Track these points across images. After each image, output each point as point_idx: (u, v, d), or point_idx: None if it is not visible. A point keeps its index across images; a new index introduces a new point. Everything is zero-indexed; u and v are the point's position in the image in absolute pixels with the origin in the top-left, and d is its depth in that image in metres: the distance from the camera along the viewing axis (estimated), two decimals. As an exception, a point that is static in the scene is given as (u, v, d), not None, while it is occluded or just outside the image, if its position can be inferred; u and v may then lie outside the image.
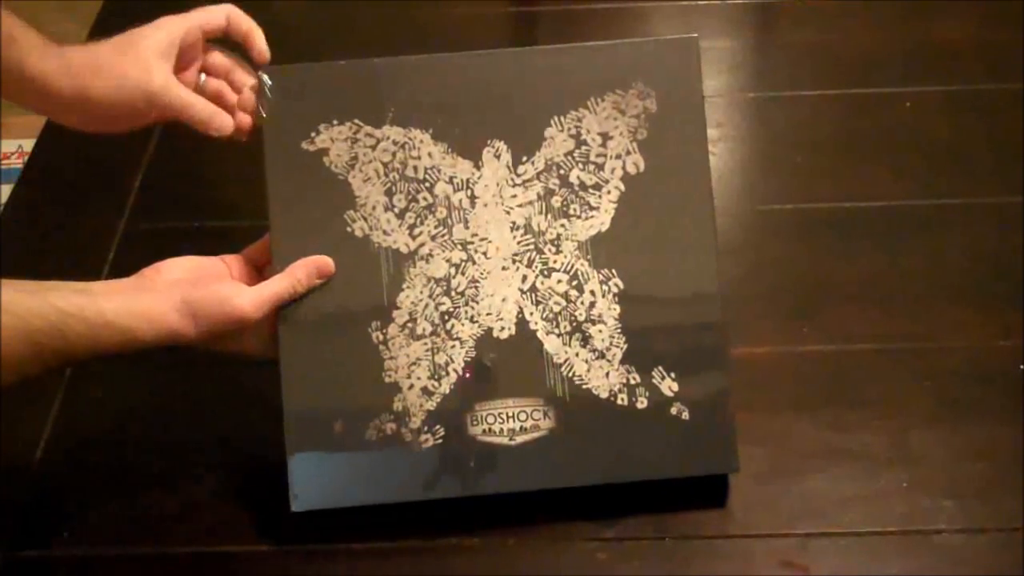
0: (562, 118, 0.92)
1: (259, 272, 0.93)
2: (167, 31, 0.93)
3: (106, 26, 1.36)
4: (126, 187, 1.21)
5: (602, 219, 0.92)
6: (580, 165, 0.92)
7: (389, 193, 0.92)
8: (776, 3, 1.45)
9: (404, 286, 0.91)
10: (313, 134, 0.92)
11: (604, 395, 0.91)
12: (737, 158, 1.26)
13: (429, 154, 0.92)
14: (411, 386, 0.90)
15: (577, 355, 0.91)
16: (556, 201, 0.92)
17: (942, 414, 0.97)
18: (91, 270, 1.11)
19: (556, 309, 0.91)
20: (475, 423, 0.90)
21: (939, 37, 1.36)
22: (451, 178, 0.92)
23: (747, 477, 0.93)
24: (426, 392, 0.90)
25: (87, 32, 1.38)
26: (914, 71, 1.32)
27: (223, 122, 0.94)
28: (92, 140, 1.28)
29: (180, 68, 0.95)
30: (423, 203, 0.92)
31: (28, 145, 1.47)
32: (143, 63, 0.91)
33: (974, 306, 1.06)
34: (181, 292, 0.86)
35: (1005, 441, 0.95)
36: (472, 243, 0.92)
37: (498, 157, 0.92)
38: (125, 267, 1.10)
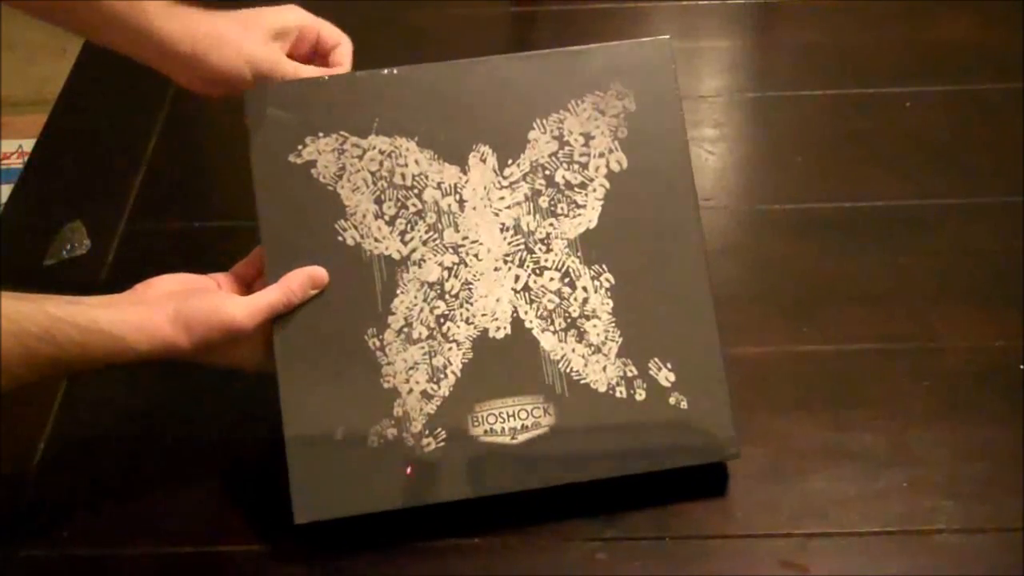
0: (544, 120, 0.94)
1: (248, 288, 0.93)
2: (289, 20, 0.99)
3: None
4: (126, 187, 1.21)
5: (590, 216, 0.93)
6: (565, 165, 0.94)
7: (378, 201, 0.93)
8: (776, 3, 1.45)
9: (398, 292, 0.91)
10: (300, 147, 0.93)
11: (602, 389, 0.91)
12: (737, 158, 1.26)
13: (416, 161, 0.93)
14: (410, 390, 0.90)
15: (573, 351, 0.91)
16: (543, 201, 0.93)
17: (942, 414, 0.97)
18: (91, 270, 1.11)
19: (550, 307, 0.92)
20: (476, 424, 0.90)
21: (939, 37, 1.36)
22: (439, 183, 0.93)
23: (747, 477, 0.93)
24: (426, 396, 0.90)
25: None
26: (914, 71, 1.32)
27: None
28: (92, 140, 1.28)
29: (292, 50, 1.00)
30: (412, 209, 0.93)
31: (28, 145, 1.48)
32: (260, 45, 0.96)
33: (974, 306, 1.06)
34: (174, 303, 0.86)
35: (1005, 441, 0.95)
36: (463, 246, 0.92)
37: (484, 161, 0.93)
38: (125, 267, 1.11)
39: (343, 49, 1.01)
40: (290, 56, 0.99)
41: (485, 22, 1.44)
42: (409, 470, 0.89)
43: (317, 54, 1.01)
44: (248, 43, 0.96)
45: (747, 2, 1.45)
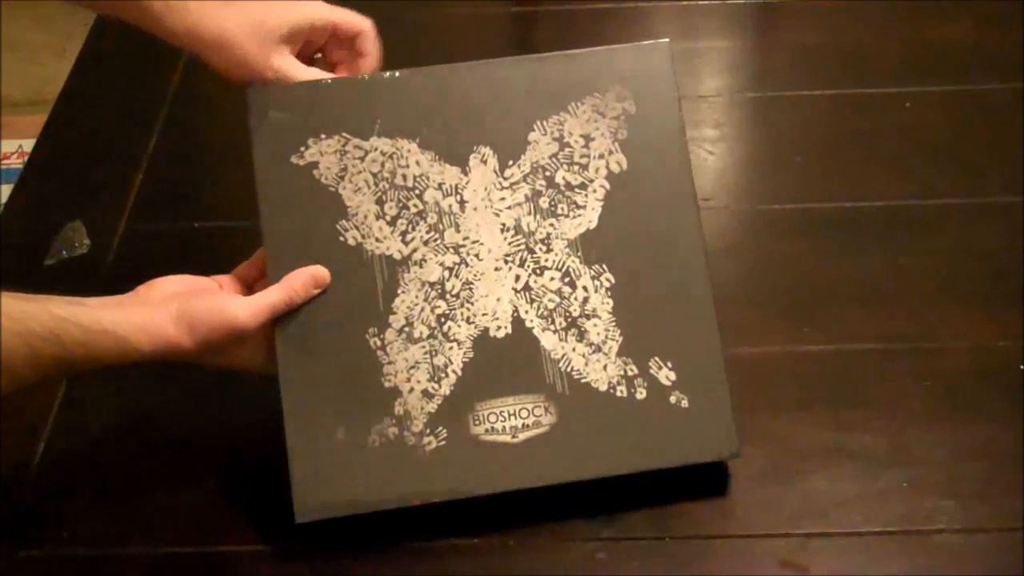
0: (545, 122, 0.95)
1: (250, 290, 0.94)
2: (301, 19, 0.97)
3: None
4: (126, 187, 1.21)
5: (590, 217, 0.94)
6: (565, 166, 0.94)
7: (380, 202, 0.93)
8: (776, 3, 1.45)
9: (399, 291, 0.92)
10: (302, 148, 0.93)
11: (603, 388, 0.91)
12: (737, 158, 1.26)
13: (417, 162, 0.94)
14: (411, 389, 0.90)
15: (574, 350, 0.91)
16: (544, 201, 0.94)
17: (942, 414, 0.98)
18: (91, 270, 1.11)
19: (550, 306, 0.92)
20: (477, 423, 0.90)
21: (939, 37, 1.36)
22: (440, 184, 0.93)
23: (747, 477, 0.93)
24: (426, 395, 0.90)
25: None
26: (914, 71, 1.32)
27: None
28: (92, 140, 1.28)
29: (302, 49, 0.99)
30: (414, 210, 0.93)
31: (28, 145, 1.48)
32: (266, 50, 0.95)
33: (974, 306, 1.06)
34: (177, 304, 0.87)
35: (1005, 441, 0.95)
36: (464, 246, 0.92)
37: (485, 162, 0.94)
38: (125, 267, 1.11)
39: (366, 38, 0.99)
40: (305, 47, 0.99)
41: (485, 22, 1.44)
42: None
43: (335, 44, 1.00)
44: (252, 52, 0.95)
45: (747, 2, 1.45)
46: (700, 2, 1.45)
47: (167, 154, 1.25)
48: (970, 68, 1.32)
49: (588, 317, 0.92)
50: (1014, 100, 1.26)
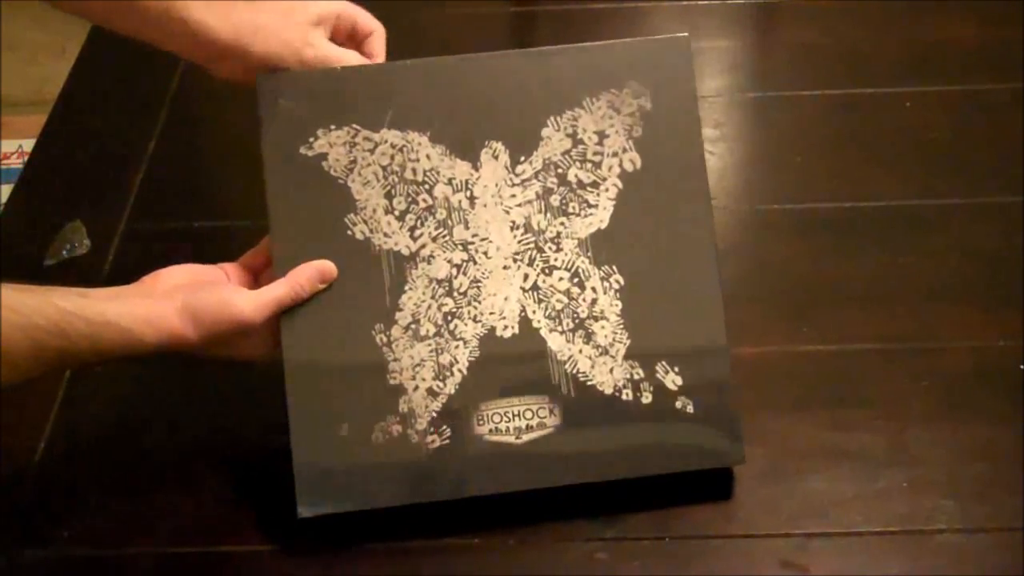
0: (558, 118, 0.93)
1: (257, 278, 0.94)
2: (328, 6, 0.97)
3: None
4: (126, 187, 1.21)
5: (601, 216, 0.93)
6: (577, 163, 0.93)
7: (389, 196, 0.92)
8: (776, 3, 1.45)
9: (406, 288, 0.91)
10: (311, 139, 0.92)
11: (609, 391, 0.91)
12: (737, 158, 1.26)
13: (427, 156, 0.93)
14: (416, 387, 0.90)
15: (580, 352, 0.91)
16: (555, 200, 0.93)
17: (942, 414, 0.98)
18: (91, 270, 1.11)
19: (558, 307, 0.91)
20: (481, 422, 0.90)
21: (939, 37, 1.36)
22: (450, 179, 0.92)
23: (748, 477, 0.93)
24: (431, 393, 0.90)
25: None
26: (914, 71, 1.32)
27: None
28: (92, 140, 1.28)
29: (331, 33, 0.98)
30: (423, 205, 0.92)
31: (28, 145, 1.48)
32: (302, 31, 0.95)
33: (974, 306, 1.06)
34: (182, 296, 0.87)
35: (1005, 441, 0.95)
36: (473, 243, 0.92)
37: (496, 158, 0.93)
38: (125, 267, 1.11)
39: (377, 39, 0.99)
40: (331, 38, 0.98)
41: (485, 22, 1.44)
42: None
43: (352, 41, 1.00)
44: (289, 31, 0.95)
45: (747, 2, 1.45)
46: (700, 2, 1.45)
47: (167, 154, 1.25)
48: (970, 68, 1.32)
49: (596, 319, 0.91)
50: (1014, 100, 1.26)
